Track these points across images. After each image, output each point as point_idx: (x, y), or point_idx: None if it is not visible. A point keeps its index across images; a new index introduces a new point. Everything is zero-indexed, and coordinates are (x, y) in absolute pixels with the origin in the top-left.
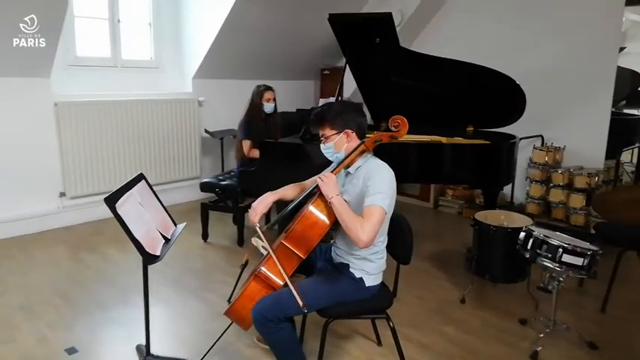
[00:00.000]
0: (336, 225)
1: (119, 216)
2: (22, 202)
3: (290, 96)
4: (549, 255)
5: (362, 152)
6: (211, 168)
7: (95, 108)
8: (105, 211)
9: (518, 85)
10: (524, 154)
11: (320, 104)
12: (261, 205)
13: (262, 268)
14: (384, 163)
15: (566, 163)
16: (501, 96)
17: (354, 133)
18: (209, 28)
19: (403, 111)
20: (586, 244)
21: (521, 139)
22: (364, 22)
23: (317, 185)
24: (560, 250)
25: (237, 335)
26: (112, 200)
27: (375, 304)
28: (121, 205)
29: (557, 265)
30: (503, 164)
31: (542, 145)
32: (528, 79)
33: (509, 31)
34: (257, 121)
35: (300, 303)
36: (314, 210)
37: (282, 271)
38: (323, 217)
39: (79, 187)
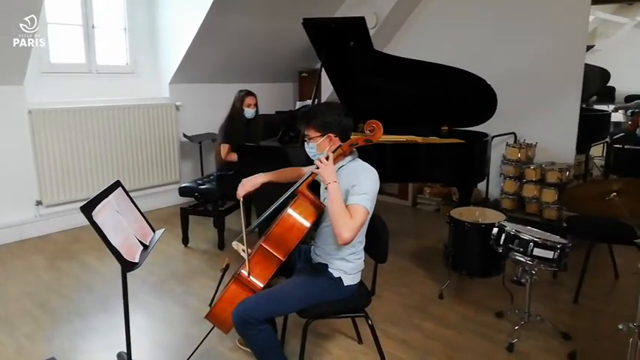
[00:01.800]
0: (315, 226)
1: (96, 224)
2: None
3: (269, 98)
4: (521, 249)
5: (339, 155)
6: (191, 172)
7: (70, 115)
8: (83, 219)
9: (489, 85)
10: (498, 151)
11: (297, 107)
12: (250, 183)
13: (242, 271)
14: (369, 165)
15: (538, 159)
16: (473, 96)
17: (336, 138)
18: (185, 32)
19: (379, 112)
20: (556, 238)
21: (494, 136)
22: (338, 27)
23: (296, 189)
24: (531, 244)
25: (220, 339)
26: (88, 209)
27: (353, 303)
28: (98, 213)
29: (528, 258)
30: (476, 162)
31: (515, 142)
32: (501, 79)
33: (480, 32)
34: (237, 126)
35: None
36: (292, 213)
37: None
38: (301, 220)
39: (55, 195)
